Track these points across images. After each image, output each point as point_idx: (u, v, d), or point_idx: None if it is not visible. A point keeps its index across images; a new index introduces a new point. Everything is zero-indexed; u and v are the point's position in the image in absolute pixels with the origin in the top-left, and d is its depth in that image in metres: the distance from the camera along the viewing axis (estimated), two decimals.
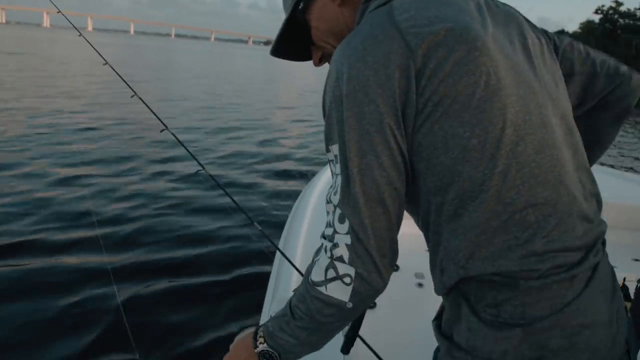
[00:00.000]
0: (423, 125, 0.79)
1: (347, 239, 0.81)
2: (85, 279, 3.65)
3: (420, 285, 2.40)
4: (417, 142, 0.81)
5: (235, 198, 2.11)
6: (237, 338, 1.04)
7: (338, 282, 0.82)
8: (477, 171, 0.78)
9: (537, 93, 0.84)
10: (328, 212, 0.85)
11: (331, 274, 0.83)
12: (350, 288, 0.82)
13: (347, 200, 0.81)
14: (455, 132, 0.78)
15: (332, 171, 0.85)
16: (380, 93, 0.78)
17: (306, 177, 6.88)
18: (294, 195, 5.08)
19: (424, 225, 0.89)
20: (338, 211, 0.82)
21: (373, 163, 0.79)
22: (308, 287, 0.86)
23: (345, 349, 1.20)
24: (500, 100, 0.79)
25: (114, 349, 2.88)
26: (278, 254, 2.23)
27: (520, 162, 0.78)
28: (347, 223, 0.81)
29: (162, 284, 3.73)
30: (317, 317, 0.86)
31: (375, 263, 0.81)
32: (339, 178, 0.82)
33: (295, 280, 1.98)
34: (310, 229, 2.53)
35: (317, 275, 0.85)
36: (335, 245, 0.82)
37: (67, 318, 3.18)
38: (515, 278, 0.79)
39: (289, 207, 3.03)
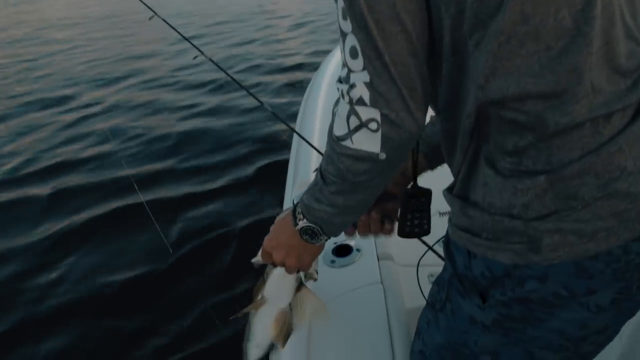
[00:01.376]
0: None
1: (364, 76, 0.69)
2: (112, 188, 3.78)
3: None
4: None
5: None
6: (278, 218, 0.98)
7: (363, 130, 0.71)
8: None
9: None
10: (340, 50, 0.72)
11: (354, 122, 0.72)
12: (378, 135, 0.71)
13: (354, 24, 0.67)
14: None
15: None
16: None
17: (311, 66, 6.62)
18: (304, 83, 4.97)
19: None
20: (348, 42, 0.69)
21: None
22: (333, 144, 0.77)
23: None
24: None
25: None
26: (295, 136, 2.18)
27: None
28: (360, 57, 0.68)
29: (182, 183, 3.82)
30: (348, 177, 0.77)
31: (402, 98, 0.69)
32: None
33: (315, 160, 1.92)
34: (325, 107, 2.41)
35: (339, 128, 0.75)
36: (352, 87, 0.70)
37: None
38: (540, 116, 0.67)
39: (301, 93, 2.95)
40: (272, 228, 0.99)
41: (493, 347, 0.83)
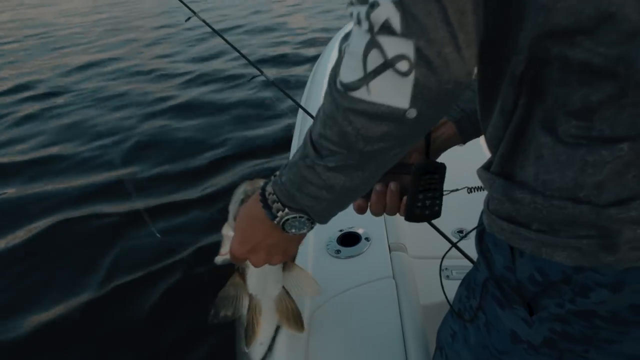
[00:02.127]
0: None
1: None
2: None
3: None
4: None
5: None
6: (240, 213, 0.80)
7: (388, 73, 0.49)
8: None
9: None
10: None
11: (375, 60, 0.49)
12: (409, 81, 0.48)
13: None
14: None
15: None
16: None
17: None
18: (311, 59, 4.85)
19: None
20: None
21: None
22: (338, 97, 0.54)
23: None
24: None
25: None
26: (300, 112, 2.09)
27: None
28: None
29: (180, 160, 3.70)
30: (358, 145, 0.55)
31: (448, 25, 0.47)
32: None
33: None
34: None
35: (350, 72, 0.52)
36: (375, 6, 0.48)
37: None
38: (626, 56, 0.48)
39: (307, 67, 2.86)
40: (236, 227, 0.79)
41: None
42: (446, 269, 1.40)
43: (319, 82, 2.38)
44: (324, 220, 0.70)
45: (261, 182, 0.76)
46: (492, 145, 0.64)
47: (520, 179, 0.58)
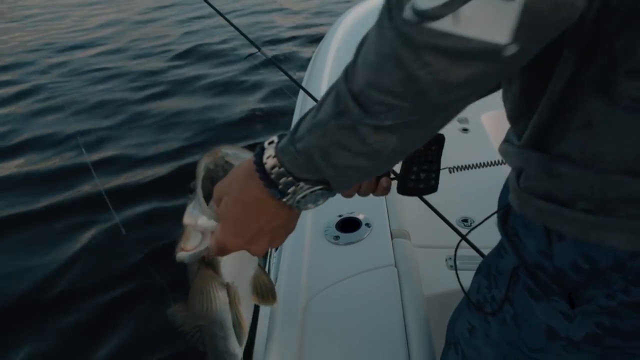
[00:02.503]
0: None
1: None
2: None
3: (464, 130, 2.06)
4: None
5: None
6: (227, 197, 0.64)
7: None
8: None
9: None
10: None
11: None
12: (515, 5, 0.36)
13: None
14: None
15: None
16: None
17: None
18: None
19: None
20: None
21: None
22: (408, 31, 0.40)
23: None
24: None
25: None
26: (301, 92, 2.01)
27: None
28: None
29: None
30: (431, 93, 0.42)
31: None
32: None
33: None
34: (335, 65, 2.24)
35: None
36: None
37: None
38: None
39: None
40: (224, 217, 0.64)
41: None
42: (449, 258, 1.34)
43: (321, 63, 2.31)
44: (345, 190, 0.60)
45: (231, 151, 0.67)
46: (519, 115, 0.56)
47: (562, 152, 0.50)
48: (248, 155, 0.63)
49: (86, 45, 6.45)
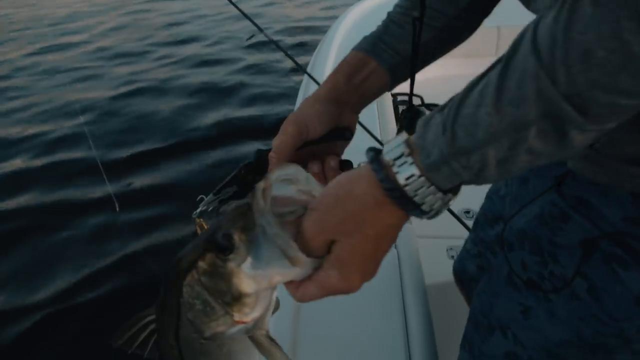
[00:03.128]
0: None
1: None
2: None
3: None
4: None
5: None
6: (351, 238, 0.50)
7: None
8: None
9: None
10: None
11: None
12: None
13: None
14: None
15: None
16: None
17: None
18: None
19: None
20: None
21: None
22: None
23: None
24: None
25: None
26: (305, 77, 1.98)
27: None
28: None
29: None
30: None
31: None
32: None
33: None
34: (340, 51, 2.24)
35: None
36: None
37: None
38: None
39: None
40: (355, 257, 0.51)
41: None
42: (451, 249, 1.31)
43: (326, 50, 2.31)
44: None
45: (302, 173, 0.54)
46: None
47: None
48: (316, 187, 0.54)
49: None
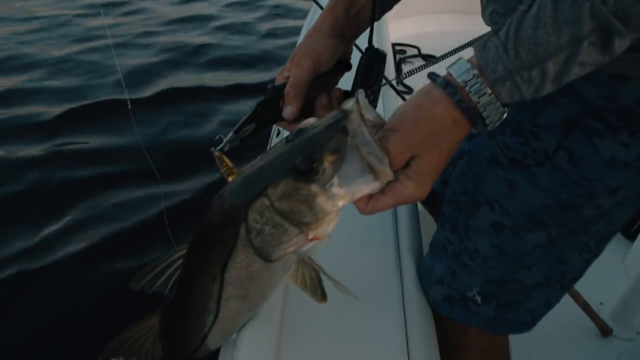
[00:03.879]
0: None
1: None
2: None
3: None
4: None
5: None
6: (432, 148, 0.59)
7: None
8: None
9: None
10: None
11: None
12: None
13: None
14: None
15: None
16: None
17: None
18: None
19: None
20: None
21: None
22: None
23: None
24: None
25: None
26: (313, 5, 1.94)
27: None
28: None
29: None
30: None
31: None
32: None
33: None
34: None
35: None
36: None
37: None
38: None
39: None
40: (434, 170, 0.61)
41: (618, 184, 0.72)
42: None
43: None
44: None
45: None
46: None
47: None
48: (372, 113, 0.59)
49: None
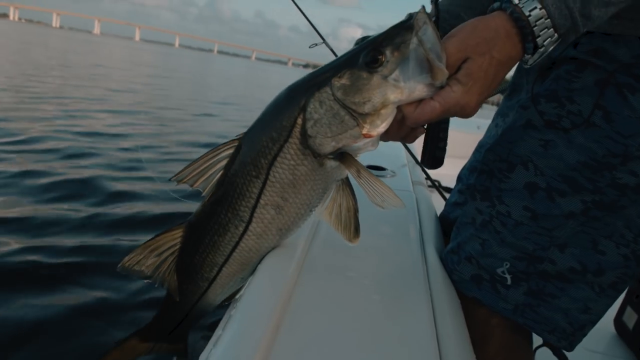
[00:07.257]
0: None
1: None
2: None
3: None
4: None
5: None
6: (487, 58, 0.63)
7: None
8: None
9: None
10: None
11: None
12: None
13: None
14: None
15: None
16: None
17: None
18: None
19: None
20: None
21: None
22: None
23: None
24: None
25: None
26: None
27: None
28: None
29: None
30: None
31: None
32: None
33: None
34: None
35: None
36: None
37: None
38: None
39: None
40: (484, 75, 0.64)
41: None
42: None
43: None
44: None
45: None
46: None
47: None
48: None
49: None
